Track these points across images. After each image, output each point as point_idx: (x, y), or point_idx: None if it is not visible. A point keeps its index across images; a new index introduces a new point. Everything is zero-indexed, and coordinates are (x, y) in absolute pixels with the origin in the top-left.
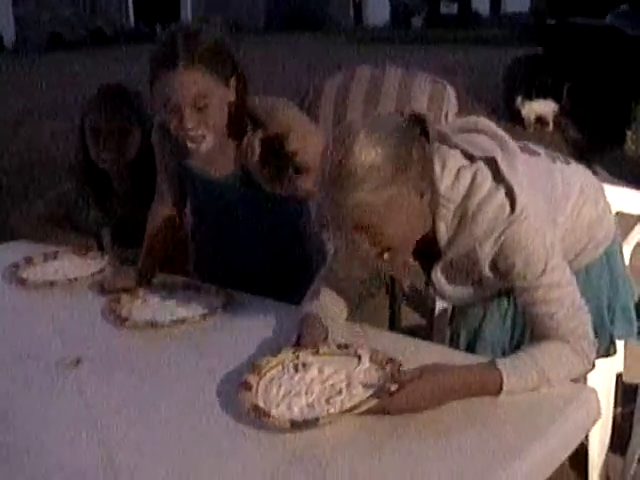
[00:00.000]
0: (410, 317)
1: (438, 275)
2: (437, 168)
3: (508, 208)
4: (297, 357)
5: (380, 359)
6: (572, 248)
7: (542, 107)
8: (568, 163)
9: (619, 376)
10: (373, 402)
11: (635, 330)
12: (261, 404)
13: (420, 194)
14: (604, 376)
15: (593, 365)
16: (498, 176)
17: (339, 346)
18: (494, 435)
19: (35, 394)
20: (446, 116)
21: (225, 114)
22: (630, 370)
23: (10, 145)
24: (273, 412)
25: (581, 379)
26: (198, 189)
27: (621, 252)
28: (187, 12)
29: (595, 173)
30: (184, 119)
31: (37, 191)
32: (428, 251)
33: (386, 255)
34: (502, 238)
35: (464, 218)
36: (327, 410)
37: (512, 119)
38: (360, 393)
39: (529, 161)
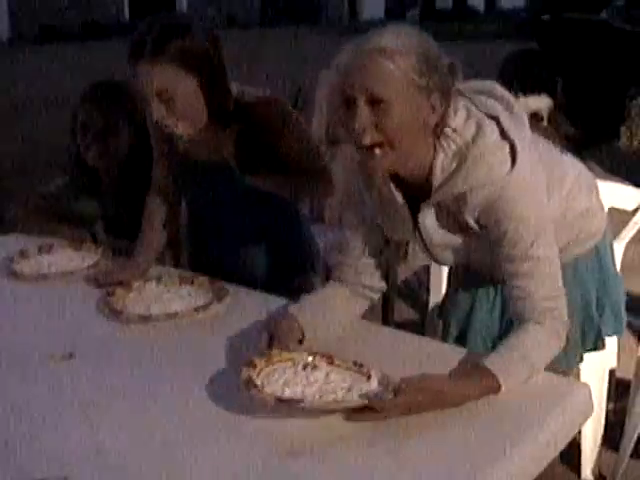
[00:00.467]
0: (404, 312)
1: (426, 217)
2: (449, 111)
3: (509, 165)
4: (312, 359)
5: (387, 384)
6: (563, 235)
7: (536, 102)
8: (564, 153)
9: (612, 371)
10: (362, 402)
11: (623, 328)
12: (256, 380)
13: (432, 107)
14: (597, 371)
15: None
16: (503, 134)
17: (355, 363)
18: (486, 430)
19: (28, 387)
20: None
21: (197, 106)
22: (623, 365)
23: (5, 137)
24: (264, 389)
25: (573, 374)
26: (187, 176)
27: (611, 249)
28: (183, 5)
29: (589, 169)
30: (151, 110)
31: (32, 184)
32: (419, 194)
33: (378, 150)
34: (494, 192)
35: (464, 161)
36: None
37: None
38: (353, 397)
39: (533, 135)
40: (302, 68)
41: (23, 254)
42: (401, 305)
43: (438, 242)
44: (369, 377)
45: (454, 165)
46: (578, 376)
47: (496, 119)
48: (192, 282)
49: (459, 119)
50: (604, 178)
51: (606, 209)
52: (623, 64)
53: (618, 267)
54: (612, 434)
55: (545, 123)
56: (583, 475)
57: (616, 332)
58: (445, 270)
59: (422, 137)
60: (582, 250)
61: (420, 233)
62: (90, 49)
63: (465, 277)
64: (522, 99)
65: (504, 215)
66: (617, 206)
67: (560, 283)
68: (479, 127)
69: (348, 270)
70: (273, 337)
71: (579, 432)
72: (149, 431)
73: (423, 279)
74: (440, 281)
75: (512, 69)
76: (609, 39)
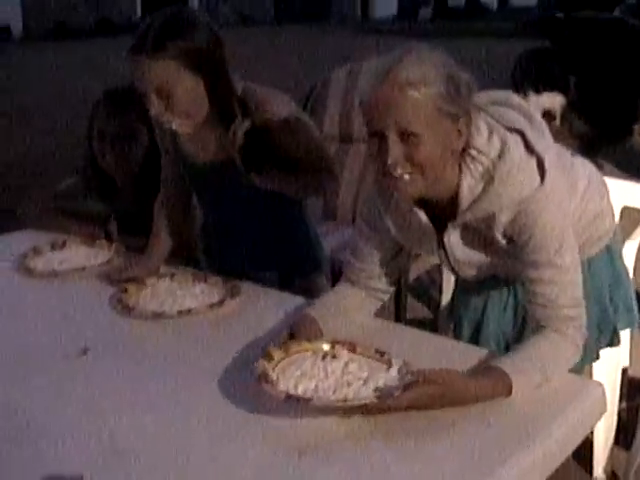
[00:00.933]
0: (416, 310)
1: (451, 236)
2: (471, 130)
3: (538, 180)
4: (332, 347)
5: (406, 373)
6: (578, 237)
7: (549, 100)
8: (575, 156)
9: (624, 370)
10: (368, 402)
11: (637, 320)
12: (271, 374)
13: (459, 132)
14: (610, 370)
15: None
16: (529, 148)
17: (376, 350)
18: (499, 429)
19: (42, 383)
20: None
21: (196, 103)
22: (636, 364)
23: (18, 135)
24: (278, 384)
25: (586, 372)
26: (194, 176)
27: (621, 251)
28: (194, 3)
29: (601, 167)
30: (150, 104)
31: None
32: (443, 214)
33: (407, 176)
34: (524, 207)
35: (491, 182)
36: (327, 397)
37: None
38: (367, 393)
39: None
40: (315, 66)
41: (36, 251)
42: (413, 303)
43: (463, 260)
44: (389, 366)
45: (481, 186)
46: (591, 375)
47: (520, 132)
48: (205, 280)
49: (482, 137)
50: (617, 176)
51: (619, 208)
52: (637, 62)
53: (632, 265)
54: (624, 433)
55: (558, 121)
56: (595, 473)
57: (630, 325)
58: None
59: (450, 162)
60: (595, 249)
61: (445, 251)
62: (102, 46)
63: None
64: (535, 97)
65: (531, 223)
66: (630, 204)
67: (581, 293)
68: (504, 143)
69: (359, 273)
70: (293, 335)
71: (591, 431)
72: (162, 428)
73: (435, 277)
74: (452, 279)
75: (525, 67)
76: (622, 37)
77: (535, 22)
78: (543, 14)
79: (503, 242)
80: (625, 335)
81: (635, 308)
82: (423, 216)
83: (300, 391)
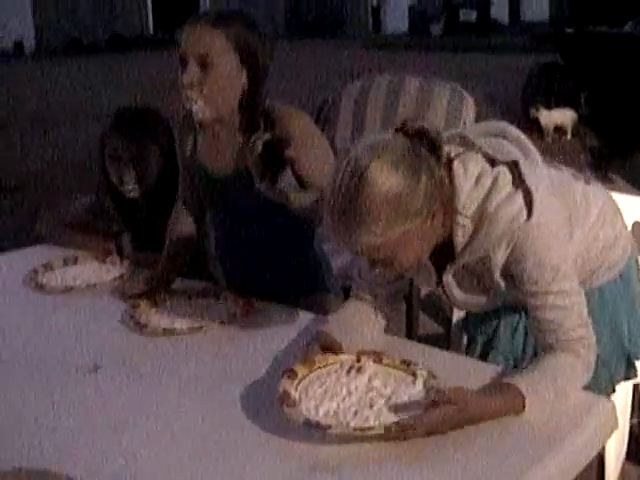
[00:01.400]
0: (428, 326)
1: (449, 279)
2: (459, 173)
3: (525, 213)
4: (358, 360)
5: (431, 387)
6: (585, 268)
7: (561, 116)
8: (589, 183)
9: (636, 386)
10: (386, 432)
11: None
12: (293, 393)
13: (432, 216)
14: (621, 386)
15: None
16: (518, 180)
17: (403, 361)
18: (510, 445)
19: (54, 399)
20: (464, 124)
21: (230, 93)
22: None
23: (32, 150)
24: (298, 405)
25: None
26: (205, 189)
27: (638, 270)
28: None
29: (612, 181)
30: (186, 70)
31: (59, 198)
32: (444, 252)
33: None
34: (516, 241)
35: (481, 221)
36: (346, 423)
37: (531, 128)
38: (388, 415)
39: (550, 171)
40: (326, 81)
41: (48, 266)
42: (425, 319)
43: (463, 301)
44: (415, 378)
45: (472, 226)
46: None
47: (515, 163)
48: (217, 295)
49: (467, 185)
50: (628, 191)
51: (631, 223)
52: None
53: None
54: (636, 448)
55: (569, 136)
56: None
57: None
58: None
59: (434, 240)
60: (608, 277)
61: (444, 290)
62: (114, 61)
63: None
64: (546, 112)
65: (521, 257)
66: None
67: (586, 312)
68: (494, 180)
69: (364, 290)
70: (315, 349)
71: (603, 446)
72: (175, 442)
73: None
74: None
75: (536, 82)
76: (633, 52)
77: (546, 37)
78: (554, 29)
79: (501, 282)
80: None
81: None
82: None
83: (321, 413)
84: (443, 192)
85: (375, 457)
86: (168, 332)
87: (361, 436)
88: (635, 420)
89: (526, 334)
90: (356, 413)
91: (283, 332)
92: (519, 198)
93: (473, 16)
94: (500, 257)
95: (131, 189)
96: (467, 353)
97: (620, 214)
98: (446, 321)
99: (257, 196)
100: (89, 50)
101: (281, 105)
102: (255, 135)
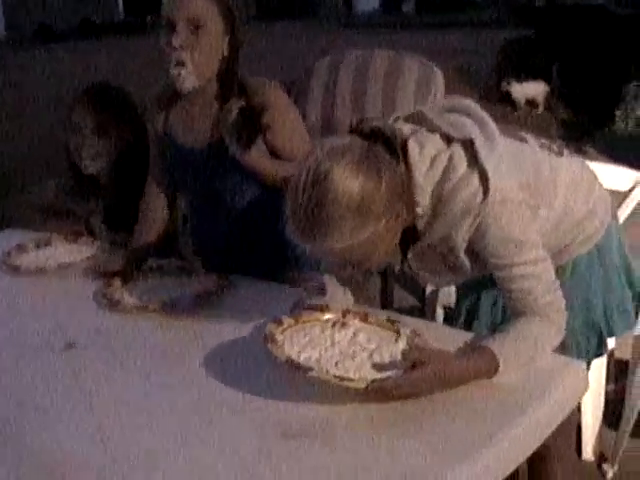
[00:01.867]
0: (403, 299)
1: (414, 259)
2: (414, 154)
3: (481, 194)
4: (343, 316)
5: (414, 346)
6: (557, 242)
7: (533, 89)
8: (561, 154)
9: (611, 352)
10: (364, 384)
11: (634, 323)
12: (278, 337)
13: (396, 216)
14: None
15: None
16: (473, 160)
17: (388, 319)
18: (483, 408)
19: (30, 378)
20: (434, 98)
21: (215, 55)
22: (622, 346)
23: (2, 136)
24: (284, 346)
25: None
26: (178, 164)
27: (620, 246)
28: None
29: (585, 152)
30: (175, 33)
31: (27, 182)
32: (408, 233)
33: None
34: (476, 222)
35: (439, 203)
36: (326, 370)
37: (503, 101)
38: (369, 370)
39: (513, 145)
40: (298, 62)
41: (21, 248)
42: (399, 292)
43: (426, 278)
44: (398, 336)
45: (431, 208)
46: None
47: (471, 142)
48: (190, 272)
49: (422, 166)
50: (599, 161)
51: None
52: (618, 48)
53: None
54: (612, 414)
55: (541, 109)
56: (584, 454)
57: (627, 328)
58: None
59: (399, 231)
60: (585, 248)
61: (410, 269)
62: (86, 47)
63: None
64: (518, 85)
65: (485, 233)
66: (611, 187)
67: (553, 276)
68: (449, 160)
69: (333, 267)
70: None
71: (579, 412)
72: (150, 416)
73: None
74: None
75: (508, 56)
76: (604, 24)
77: (518, 11)
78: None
79: (466, 260)
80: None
81: (631, 309)
82: None
83: (302, 359)
84: (404, 185)
85: (346, 423)
86: (141, 309)
87: (339, 384)
88: (611, 386)
89: (505, 309)
90: (337, 364)
91: (258, 307)
92: (474, 179)
93: None
94: (462, 236)
95: (88, 165)
96: (451, 324)
97: (596, 186)
98: (421, 294)
99: (231, 169)
100: (60, 36)
101: (255, 77)
102: (230, 102)
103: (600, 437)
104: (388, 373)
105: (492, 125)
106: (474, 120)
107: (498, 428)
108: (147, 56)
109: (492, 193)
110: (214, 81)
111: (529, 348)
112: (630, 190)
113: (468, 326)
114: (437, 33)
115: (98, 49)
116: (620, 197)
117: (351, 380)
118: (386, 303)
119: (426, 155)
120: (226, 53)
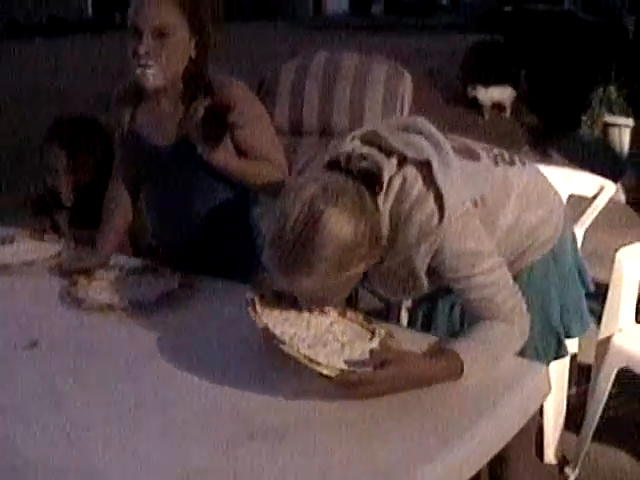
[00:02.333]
0: (368, 301)
1: (374, 280)
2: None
3: (437, 216)
4: (322, 309)
5: (386, 347)
6: (512, 250)
7: (499, 93)
8: (513, 164)
9: (573, 356)
10: (333, 373)
11: (590, 324)
12: (259, 307)
13: (373, 257)
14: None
15: None
16: (428, 180)
17: (365, 318)
18: (445, 410)
19: None
20: (402, 101)
21: (182, 58)
22: (584, 350)
23: None
24: (261, 317)
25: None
26: (143, 162)
27: (574, 248)
28: None
29: (550, 157)
30: (141, 41)
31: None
32: None
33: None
34: (435, 245)
35: (396, 227)
36: (298, 348)
37: (469, 105)
38: (337, 361)
39: (467, 165)
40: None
41: None
42: (364, 294)
43: (384, 296)
44: (372, 336)
45: (390, 233)
46: None
47: (427, 163)
48: (155, 270)
49: (382, 188)
50: (565, 166)
51: (566, 196)
52: (585, 54)
53: None
54: (574, 418)
55: (508, 113)
56: (546, 458)
57: (583, 330)
58: None
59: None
60: (539, 253)
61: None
62: (54, 44)
63: None
64: (483, 90)
65: (441, 250)
66: (576, 193)
67: (512, 281)
68: (402, 184)
69: None
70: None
71: (542, 416)
72: (115, 415)
73: None
74: None
75: (475, 61)
76: (571, 30)
77: (486, 16)
78: (493, 8)
79: (425, 281)
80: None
81: (586, 310)
82: None
83: (277, 333)
84: (380, 223)
85: (314, 423)
86: (106, 307)
87: (308, 365)
88: (572, 391)
89: (462, 314)
90: (309, 347)
91: (223, 306)
92: (429, 200)
93: None
94: (422, 259)
95: (65, 199)
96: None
97: (553, 192)
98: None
99: (198, 168)
100: (27, 32)
101: (222, 76)
102: (197, 101)
103: (562, 441)
104: (354, 369)
105: (447, 146)
106: (430, 141)
107: (462, 431)
108: (115, 53)
109: (446, 215)
110: (180, 81)
111: (494, 351)
112: (595, 196)
113: (426, 331)
114: (406, 36)
115: (66, 45)
116: (585, 203)
117: (319, 364)
118: (351, 305)
119: (384, 179)
120: (193, 55)
